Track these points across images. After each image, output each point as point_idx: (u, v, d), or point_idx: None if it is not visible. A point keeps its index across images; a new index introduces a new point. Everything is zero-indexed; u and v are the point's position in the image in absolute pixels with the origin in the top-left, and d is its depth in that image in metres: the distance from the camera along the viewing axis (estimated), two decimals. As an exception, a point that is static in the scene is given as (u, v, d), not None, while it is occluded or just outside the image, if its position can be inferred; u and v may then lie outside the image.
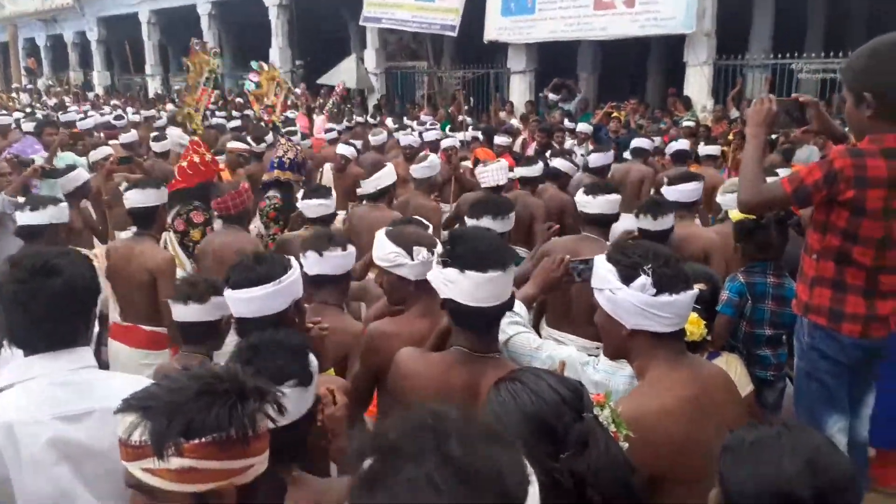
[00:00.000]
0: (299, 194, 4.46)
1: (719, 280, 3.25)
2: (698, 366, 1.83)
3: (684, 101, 11.61)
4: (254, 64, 10.69)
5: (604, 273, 1.76)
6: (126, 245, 3.91)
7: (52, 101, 19.79)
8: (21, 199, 3.88)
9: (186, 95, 9.85)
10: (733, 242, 3.43)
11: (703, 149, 6.91)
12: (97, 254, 4.38)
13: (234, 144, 7.55)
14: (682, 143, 6.93)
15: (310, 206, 4.17)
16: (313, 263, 2.77)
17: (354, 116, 12.68)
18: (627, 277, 1.70)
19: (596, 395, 1.38)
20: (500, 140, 8.16)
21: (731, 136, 8.98)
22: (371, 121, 12.22)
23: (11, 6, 28.36)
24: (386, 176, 4.81)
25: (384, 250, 2.45)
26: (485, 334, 1.97)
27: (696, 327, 2.70)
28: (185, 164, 5.42)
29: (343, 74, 16.27)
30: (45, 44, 27.68)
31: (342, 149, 7.15)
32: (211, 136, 9.73)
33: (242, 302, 2.11)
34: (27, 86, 24.47)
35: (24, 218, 3.78)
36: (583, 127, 9.66)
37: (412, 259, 2.41)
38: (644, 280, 1.67)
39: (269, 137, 8.37)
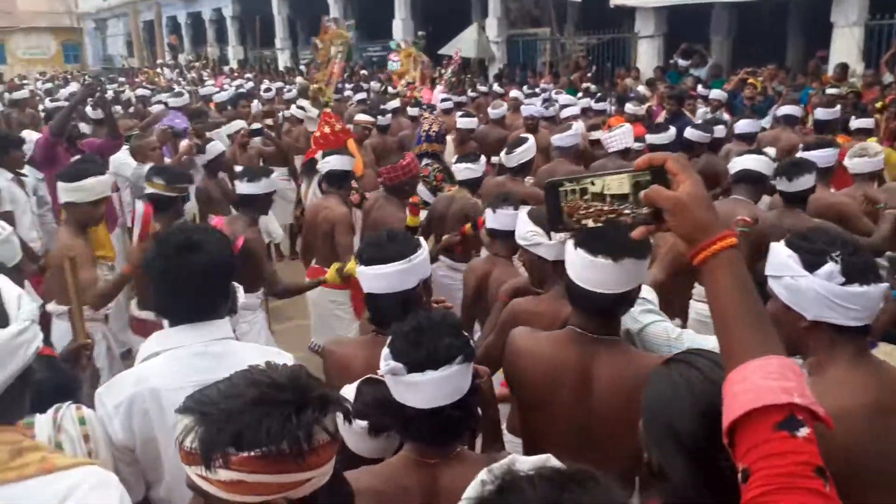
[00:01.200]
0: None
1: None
2: (880, 368, 1.67)
3: (840, 68, 10.53)
4: (392, 44, 10.88)
5: (783, 259, 1.63)
6: (315, 203, 4.74)
7: (190, 76, 21.00)
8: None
9: (316, 72, 10.15)
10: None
11: (856, 122, 6.31)
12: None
13: (361, 117, 7.67)
14: (826, 113, 6.44)
15: (459, 170, 4.69)
16: (490, 219, 3.24)
17: (478, 86, 12.60)
18: (812, 264, 1.58)
19: None
20: (630, 108, 7.88)
21: (883, 104, 8.21)
22: (498, 89, 12.01)
23: (156, -15, 30.22)
24: (528, 150, 4.90)
25: (523, 229, 2.53)
26: (601, 317, 1.91)
27: None
28: (318, 134, 6.07)
29: (464, 44, 16.20)
30: (186, 21, 29.33)
31: (463, 122, 7.13)
32: (339, 108, 10.01)
33: (374, 278, 2.14)
34: (170, 61, 26.09)
35: (243, 188, 4.13)
36: (716, 93, 9.13)
37: (549, 239, 2.45)
38: (832, 267, 1.55)
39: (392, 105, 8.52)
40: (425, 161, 5.73)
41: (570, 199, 1.17)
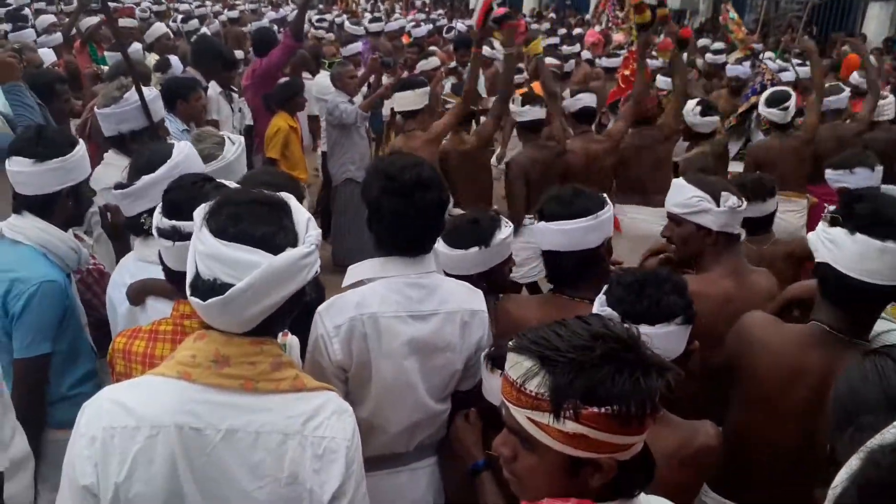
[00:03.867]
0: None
1: None
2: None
3: None
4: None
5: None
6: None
7: (384, 6, 21.46)
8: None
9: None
10: None
11: None
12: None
13: (550, 60, 7.47)
14: None
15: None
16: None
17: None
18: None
19: None
20: (856, 78, 6.89)
21: None
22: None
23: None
24: None
25: (684, 195, 2.28)
26: (858, 315, 1.71)
27: None
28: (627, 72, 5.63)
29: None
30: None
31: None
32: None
33: (557, 233, 2.05)
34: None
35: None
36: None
37: (718, 206, 2.22)
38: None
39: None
40: None
41: None
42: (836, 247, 1.65)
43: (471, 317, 1.86)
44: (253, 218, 1.24)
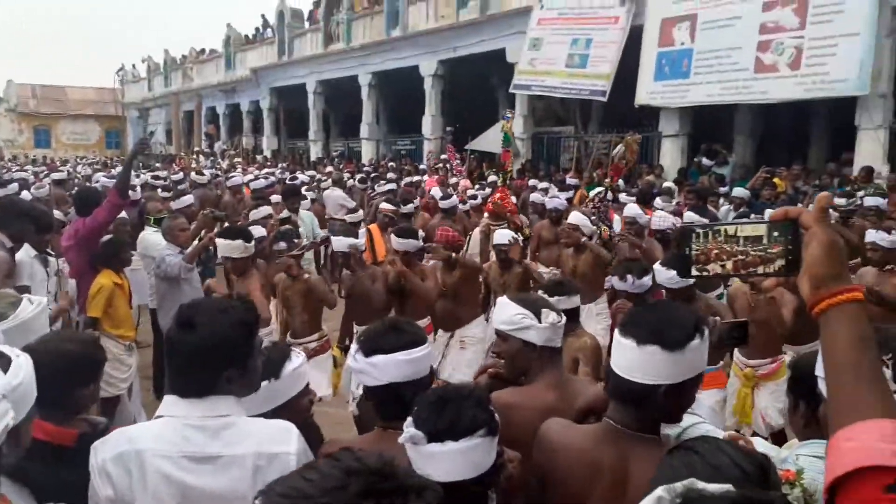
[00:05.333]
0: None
1: None
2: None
3: (865, 171, 10.52)
4: None
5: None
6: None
7: (225, 164, 21.68)
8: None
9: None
10: None
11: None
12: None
13: (385, 206, 7.89)
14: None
15: None
16: None
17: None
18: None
19: (785, 471, 1.22)
20: (660, 203, 7.76)
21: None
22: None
23: (199, 79, 31.77)
24: None
25: (509, 313, 2.36)
26: (639, 411, 1.79)
27: None
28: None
29: (490, 140, 16.62)
30: (224, 112, 30.59)
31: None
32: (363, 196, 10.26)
33: (401, 364, 1.97)
34: (205, 149, 27.08)
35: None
36: (739, 191, 9.20)
37: (540, 322, 2.32)
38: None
39: (417, 202, 8.68)
40: None
41: (703, 243, 1.17)
42: (615, 349, 1.79)
43: (268, 461, 1.71)
44: None
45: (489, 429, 1.58)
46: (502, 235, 5.72)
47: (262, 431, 1.77)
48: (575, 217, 6.25)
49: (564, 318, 2.44)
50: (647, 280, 4.28)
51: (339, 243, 5.01)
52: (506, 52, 16.51)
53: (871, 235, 5.02)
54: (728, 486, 0.84)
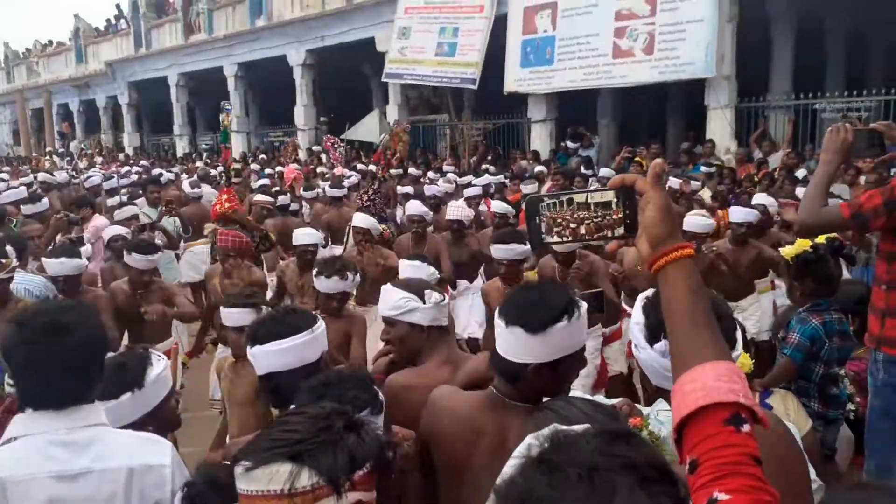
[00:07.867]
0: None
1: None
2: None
3: (710, 144, 11.47)
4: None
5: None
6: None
7: (83, 164, 20.32)
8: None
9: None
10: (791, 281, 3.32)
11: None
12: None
13: (259, 198, 7.77)
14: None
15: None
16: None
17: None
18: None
19: (633, 419, 1.34)
20: (525, 187, 8.23)
21: (758, 178, 8.92)
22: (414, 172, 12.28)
23: (46, 74, 29.51)
24: None
25: (393, 298, 2.41)
26: (519, 384, 1.86)
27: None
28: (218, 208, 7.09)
29: (366, 129, 16.54)
30: (79, 108, 28.61)
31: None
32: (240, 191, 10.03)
33: (274, 355, 2.03)
34: (59, 149, 25.23)
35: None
36: (606, 172, 9.69)
37: (424, 302, 2.38)
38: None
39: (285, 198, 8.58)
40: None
41: (553, 211, 1.21)
42: (496, 327, 1.85)
43: (141, 474, 1.67)
44: None
45: (373, 408, 1.63)
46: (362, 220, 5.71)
47: (131, 444, 1.71)
48: (361, 220, 5.79)
49: (447, 298, 2.51)
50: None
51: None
52: (375, 41, 16.43)
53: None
54: (588, 425, 0.92)
